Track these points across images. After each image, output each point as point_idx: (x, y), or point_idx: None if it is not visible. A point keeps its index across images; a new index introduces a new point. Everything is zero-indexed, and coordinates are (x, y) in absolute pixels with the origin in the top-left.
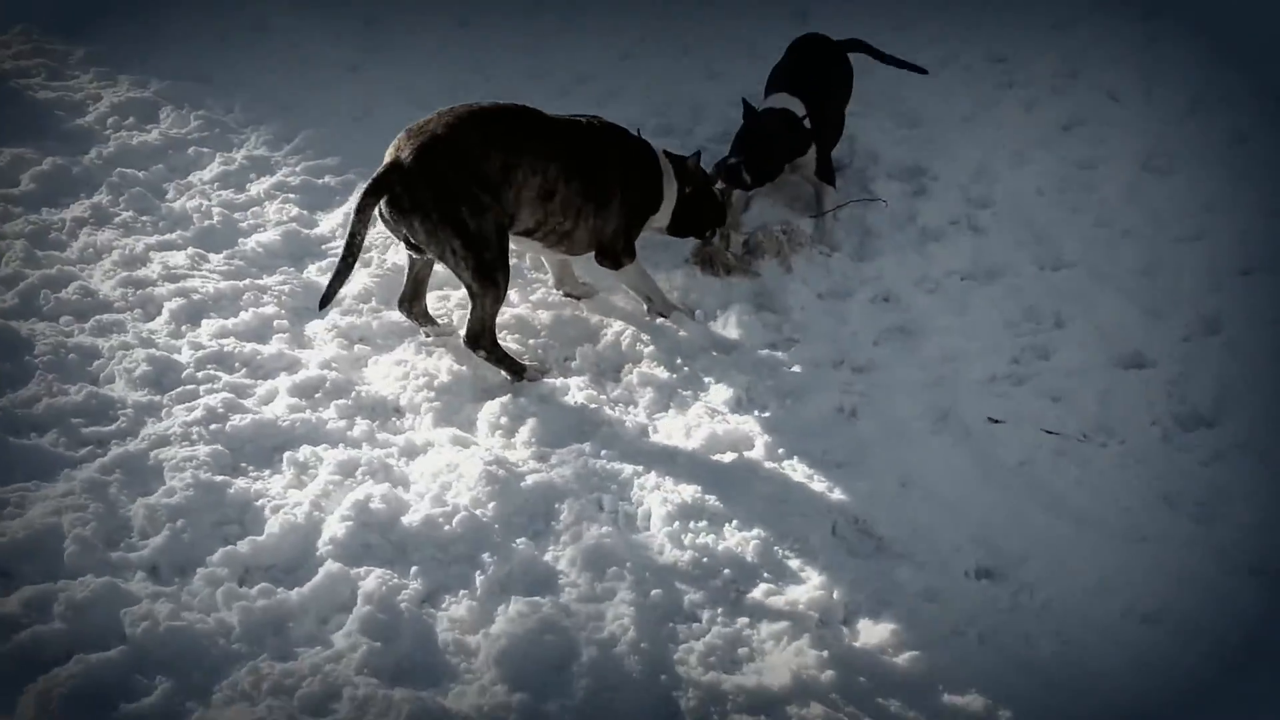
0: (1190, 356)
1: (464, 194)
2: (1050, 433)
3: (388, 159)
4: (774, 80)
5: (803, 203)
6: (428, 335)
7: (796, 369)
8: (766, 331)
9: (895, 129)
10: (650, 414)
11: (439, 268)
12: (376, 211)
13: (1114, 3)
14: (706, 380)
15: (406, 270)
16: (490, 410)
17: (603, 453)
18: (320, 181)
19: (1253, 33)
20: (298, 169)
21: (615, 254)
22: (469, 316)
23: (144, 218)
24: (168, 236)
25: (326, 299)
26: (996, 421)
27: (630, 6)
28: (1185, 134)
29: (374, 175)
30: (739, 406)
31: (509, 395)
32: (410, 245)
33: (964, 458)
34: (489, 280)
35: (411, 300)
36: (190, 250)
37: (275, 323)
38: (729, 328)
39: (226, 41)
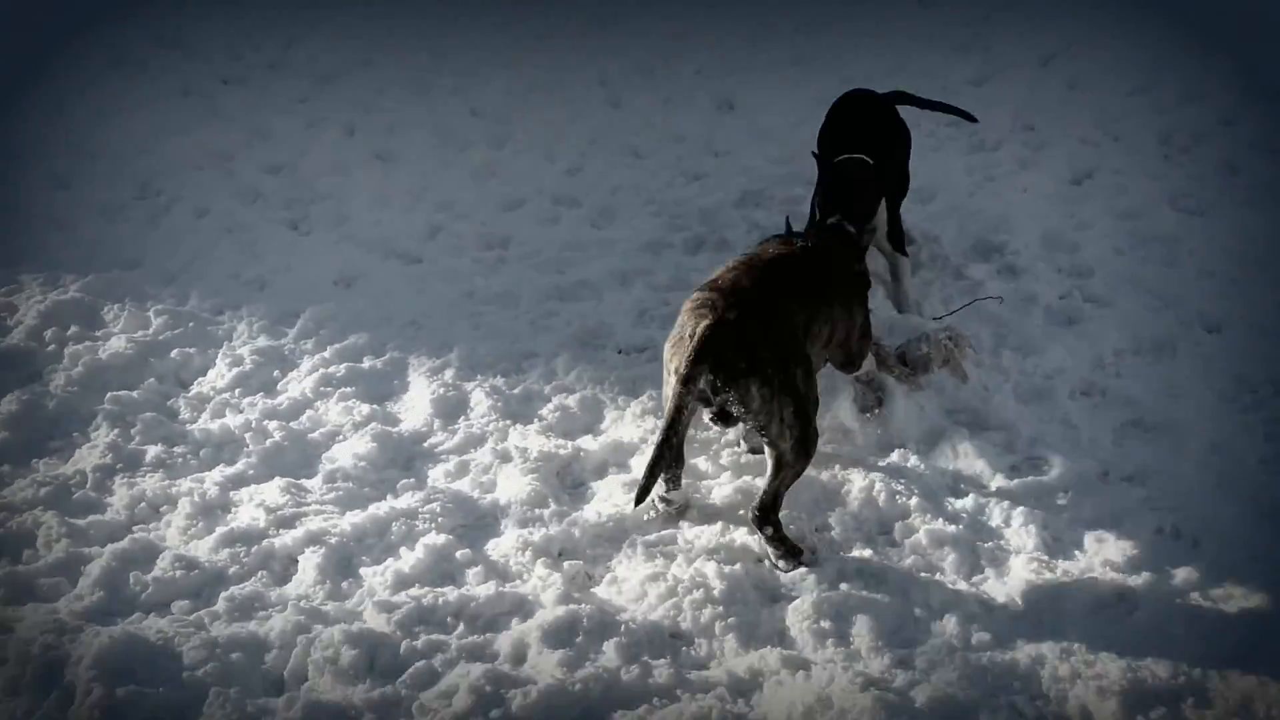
0: None
1: (799, 354)
2: None
3: (704, 320)
4: (829, 143)
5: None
6: (661, 507)
7: (1078, 494)
8: (1002, 453)
9: (918, 205)
10: (969, 577)
11: None
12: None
13: (1011, 52)
14: (994, 524)
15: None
16: (801, 614)
17: (973, 640)
18: (365, 366)
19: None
20: (328, 355)
21: (861, 357)
22: (765, 488)
23: (177, 449)
24: (233, 469)
25: (644, 491)
26: None
27: (548, 117)
28: (1187, 174)
29: (698, 338)
30: (1057, 549)
31: (811, 593)
32: (719, 418)
33: None
34: (805, 450)
35: (676, 464)
36: (279, 480)
37: (457, 554)
38: (963, 459)
39: (118, 216)
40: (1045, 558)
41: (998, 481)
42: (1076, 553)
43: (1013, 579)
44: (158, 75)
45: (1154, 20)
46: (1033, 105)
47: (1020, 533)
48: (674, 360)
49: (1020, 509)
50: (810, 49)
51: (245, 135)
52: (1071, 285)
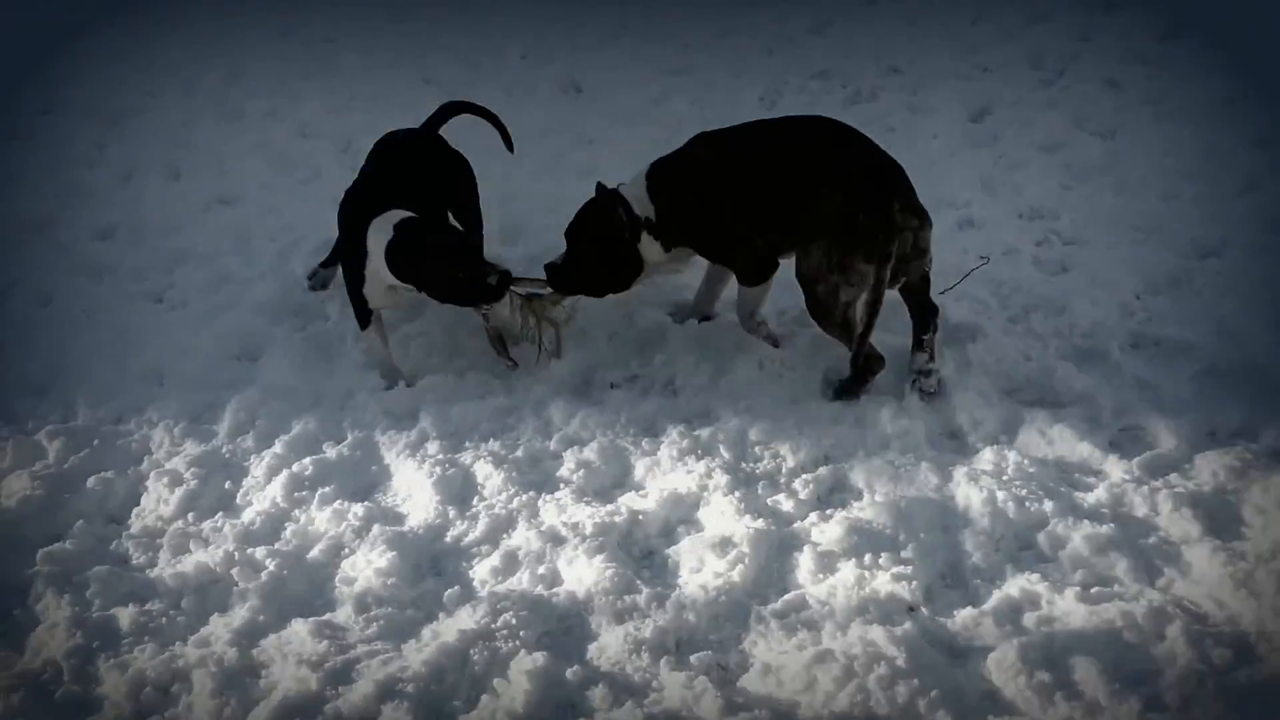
0: None
1: None
2: None
3: (877, 207)
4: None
5: None
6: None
7: (1202, 463)
8: (1093, 429)
9: None
10: (1153, 583)
11: None
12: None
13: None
14: (1142, 514)
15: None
16: (1008, 668)
17: (1216, 660)
18: (332, 457)
19: None
20: (280, 451)
21: None
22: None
23: (152, 607)
24: (236, 619)
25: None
26: None
27: (386, 127)
28: (1078, 97)
29: (885, 218)
30: (1223, 530)
31: (1009, 640)
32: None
33: None
34: None
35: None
36: (301, 623)
37: (567, 674)
38: (1060, 443)
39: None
40: (1219, 542)
41: (1112, 464)
42: (1245, 530)
43: (1203, 576)
44: None
45: None
46: (884, 46)
47: (1176, 519)
48: (857, 250)
49: (1162, 493)
50: (636, 17)
51: (58, 196)
52: (1044, 230)
